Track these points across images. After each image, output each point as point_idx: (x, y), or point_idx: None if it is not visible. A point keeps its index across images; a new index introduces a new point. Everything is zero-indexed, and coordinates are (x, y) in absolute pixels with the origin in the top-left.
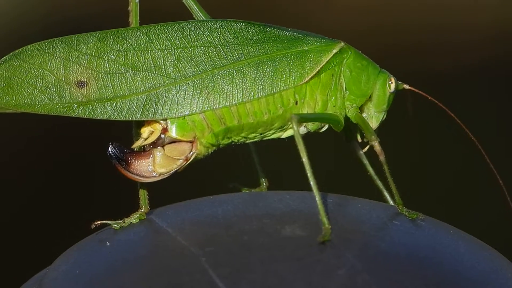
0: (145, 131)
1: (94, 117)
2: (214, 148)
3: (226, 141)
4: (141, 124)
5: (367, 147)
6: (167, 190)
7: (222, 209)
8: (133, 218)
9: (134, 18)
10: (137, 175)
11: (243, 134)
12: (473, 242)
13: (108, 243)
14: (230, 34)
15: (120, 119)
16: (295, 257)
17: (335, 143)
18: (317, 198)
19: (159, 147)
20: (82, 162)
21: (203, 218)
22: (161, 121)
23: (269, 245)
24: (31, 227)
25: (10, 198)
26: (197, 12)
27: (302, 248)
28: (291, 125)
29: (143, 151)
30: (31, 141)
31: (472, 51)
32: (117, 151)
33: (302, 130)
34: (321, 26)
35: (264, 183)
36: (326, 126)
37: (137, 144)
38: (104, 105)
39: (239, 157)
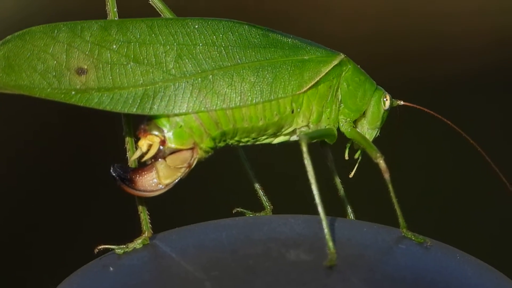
0: (143, 144)
1: (90, 106)
2: (213, 150)
3: (222, 144)
4: (130, 130)
5: (355, 168)
6: (171, 214)
7: (227, 233)
8: (137, 243)
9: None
10: (143, 191)
11: (237, 138)
12: (480, 265)
13: (111, 269)
14: (233, 36)
15: (115, 111)
16: (301, 281)
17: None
18: (323, 222)
19: (160, 160)
20: (84, 165)
21: (207, 243)
22: (158, 133)
23: (274, 269)
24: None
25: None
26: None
27: (308, 272)
28: (292, 137)
29: (145, 166)
30: (27, 144)
31: (473, 57)
32: (119, 172)
33: (294, 138)
34: (322, 32)
35: (268, 207)
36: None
37: (135, 157)
38: (101, 95)
39: (243, 181)
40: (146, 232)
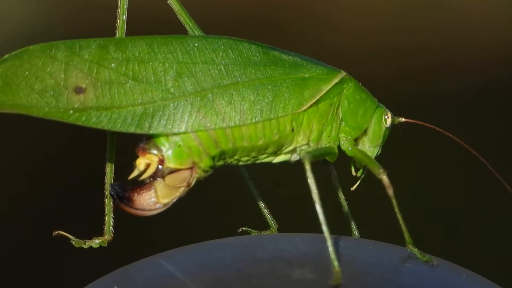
0: (141, 163)
1: (88, 125)
2: (212, 170)
3: (221, 163)
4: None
5: (358, 183)
6: (175, 232)
7: (231, 252)
8: (94, 243)
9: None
10: (141, 210)
11: (236, 157)
12: (487, 284)
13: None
14: (233, 53)
15: (114, 130)
16: None
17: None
18: (328, 241)
19: (159, 179)
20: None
21: (212, 261)
22: (157, 152)
23: None
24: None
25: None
26: (185, 18)
27: None
28: (293, 156)
29: (143, 184)
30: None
31: (480, 72)
32: (118, 191)
33: (295, 157)
34: (332, 47)
35: (273, 225)
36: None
37: (133, 175)
38: (100, 114)
39: (248, 200)
40: (107, 235)
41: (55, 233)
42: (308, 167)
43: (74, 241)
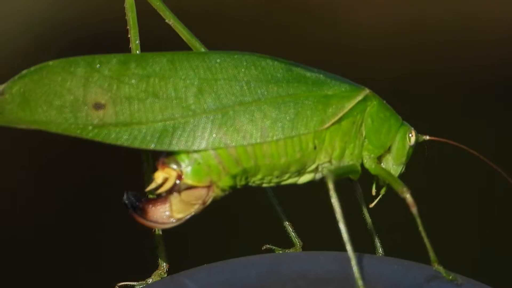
0: (159, 176)
1: (107, 142)
2: (231, 189)
3: (243, 183)
4: (151, 164)
5: (378, 199)
6: (199, 250)
7: (256, 271)
8: (155, 277)
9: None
10: (154, 222)
11: (259, 176)
12: None
13: None
14: (255, 70)
15: (133, 147)
16: None
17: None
18: (352, 260)
19: (175, 193)
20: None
21: (236, 280)
22: (176, 167)
23: None
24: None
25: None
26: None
27: None
28: (315, 174)
29: (159, 197)
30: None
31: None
32: (132, 200)
33: (319, 176)
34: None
35: (298, 243)
36: None
37: (149, 188)
38: (119, 130)
39: (272, 217)
40: (164, 265)
41: (117, 286)
42: (331, 186)
43: (137, 284)
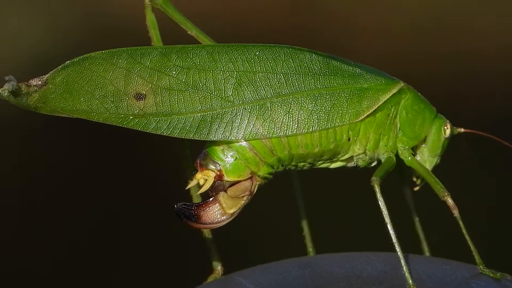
0: (200, 178)
1: (147, 131)
2: (272, 176)
3: (280, 169)
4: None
5: (420, 185)
6: (252, 250)
7: (309, 271)
8: (211, 279)
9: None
10: (210, 223)
11: (293, 163)
12: None
13: None
14: (293, 63)
15: (173, 136)
16: None
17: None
18: (401, 260)
19: (221, 192)
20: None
21: (290, 280)
22: (214, 167)
23: None
24: None
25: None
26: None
27: None
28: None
29: (207, 200)
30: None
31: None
32: (184, 210)
33: (351, 164)
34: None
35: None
36: (375, 162)
37: (190, 186)
38: (159, 120)
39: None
40: (219, 267)
41: None
42: (377, 189)
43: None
